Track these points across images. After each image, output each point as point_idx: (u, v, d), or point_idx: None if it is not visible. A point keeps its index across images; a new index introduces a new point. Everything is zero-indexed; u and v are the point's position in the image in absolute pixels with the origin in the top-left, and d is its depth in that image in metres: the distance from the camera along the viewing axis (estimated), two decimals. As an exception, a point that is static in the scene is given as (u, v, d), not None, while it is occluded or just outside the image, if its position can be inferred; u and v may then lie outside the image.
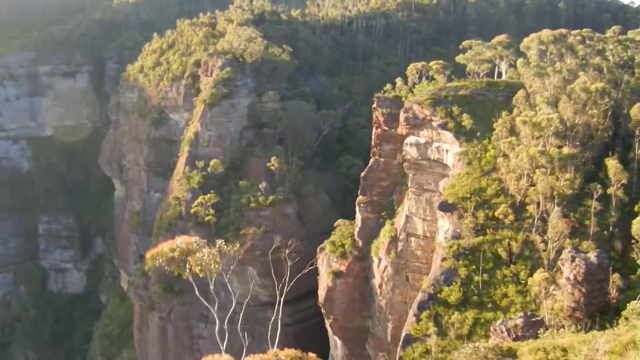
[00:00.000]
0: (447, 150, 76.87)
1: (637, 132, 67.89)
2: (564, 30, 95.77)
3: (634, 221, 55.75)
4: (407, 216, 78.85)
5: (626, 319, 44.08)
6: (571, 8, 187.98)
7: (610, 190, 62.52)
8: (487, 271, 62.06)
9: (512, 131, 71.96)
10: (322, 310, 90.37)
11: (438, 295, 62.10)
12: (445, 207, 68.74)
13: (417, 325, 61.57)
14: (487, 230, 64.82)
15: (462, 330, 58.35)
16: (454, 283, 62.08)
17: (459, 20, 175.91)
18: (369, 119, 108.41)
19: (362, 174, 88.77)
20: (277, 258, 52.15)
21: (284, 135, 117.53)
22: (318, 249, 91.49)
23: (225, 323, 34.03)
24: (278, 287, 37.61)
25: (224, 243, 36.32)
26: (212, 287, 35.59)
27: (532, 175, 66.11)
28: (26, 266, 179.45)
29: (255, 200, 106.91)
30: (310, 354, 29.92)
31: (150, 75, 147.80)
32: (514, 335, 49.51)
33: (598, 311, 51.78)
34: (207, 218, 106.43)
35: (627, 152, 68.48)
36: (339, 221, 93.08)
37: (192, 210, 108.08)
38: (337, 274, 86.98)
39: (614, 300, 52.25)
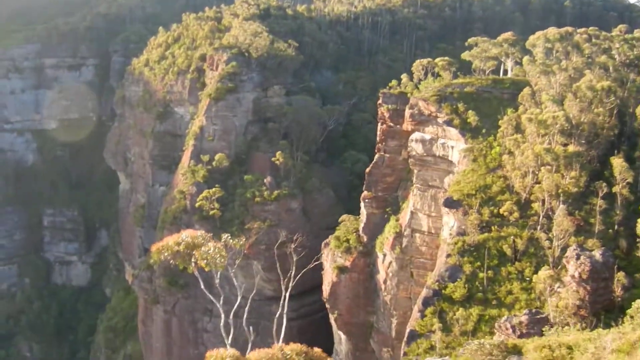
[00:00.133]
0: (452, 147, 76.81)
1: (643, 130, 68.04)
2: (570, 29, 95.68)
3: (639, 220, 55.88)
4: (412, 212, 78.88)
5: (631, 317, 44.13)
6: (577, 6, 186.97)
7: (615, 189, 62.56)
8: (492, 268, 62.16)
9: (518, 128, 71.94)
10: (327, 305, 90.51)
11: (443, 291, 62.26)
12: (451, 203, 68.79)
13: (421, 321, 61.75)
14: (492, 227, 64.84)
15: (466, 327, 58.50)
16: (458, 279, 62.21)
17: (464, 17, 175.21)
18: (374, 115, 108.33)
19: (367, 169, 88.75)
20: (282, 252, 52.35)
21: (289, 130, 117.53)
22: (323, 244, 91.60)
23: (231, 317, 34.10)
24: (283, 282, 37.68)
25: (229, 237, 36.48)
26: (217, 281, 35.79)
27: (537, 172, 66.10)
28: (31, 259, 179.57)
29: (260, 195, 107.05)
30: (315, 349, 30.02)
31: (156, 69, 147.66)
32: (519, 332, 49.68)
33: (603, 309, 51.87)
34: (212, 212, 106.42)
35: (632, 151, 68.50)
36: (344, 216, 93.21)
37: (197, 204, 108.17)
38: (341, 269, 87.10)
39: (619, 299, 52.34)
